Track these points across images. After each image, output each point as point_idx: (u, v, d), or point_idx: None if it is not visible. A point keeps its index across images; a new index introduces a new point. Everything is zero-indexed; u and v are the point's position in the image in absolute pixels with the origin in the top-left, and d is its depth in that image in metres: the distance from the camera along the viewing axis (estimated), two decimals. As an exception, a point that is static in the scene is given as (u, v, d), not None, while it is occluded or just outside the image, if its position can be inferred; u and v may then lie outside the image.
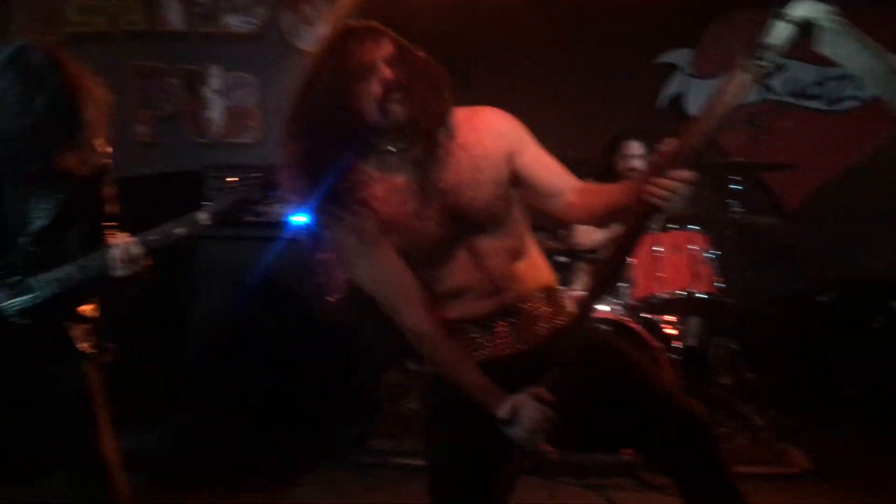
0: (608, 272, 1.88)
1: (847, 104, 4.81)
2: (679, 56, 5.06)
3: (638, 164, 4.14)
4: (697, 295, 3.45)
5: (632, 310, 3.69)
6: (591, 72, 5.14)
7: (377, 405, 4.07)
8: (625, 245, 1.79)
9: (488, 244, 1.86)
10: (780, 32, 1.63)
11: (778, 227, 4.74)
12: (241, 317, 3.83)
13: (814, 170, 4.75)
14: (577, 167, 2.17)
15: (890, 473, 3.47)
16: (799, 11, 1.61)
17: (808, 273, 4.96)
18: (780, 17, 1.62)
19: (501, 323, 1.89)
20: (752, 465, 3.53)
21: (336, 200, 1.78)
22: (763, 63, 1.65)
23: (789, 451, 3.62)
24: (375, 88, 1.74)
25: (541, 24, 5.17)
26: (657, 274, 3.55)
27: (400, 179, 1.82)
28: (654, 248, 3.57)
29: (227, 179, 3.84)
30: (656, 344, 3.61)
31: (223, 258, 3.88)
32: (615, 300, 3.80)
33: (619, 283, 3.81)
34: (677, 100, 5.09)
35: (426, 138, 1.80)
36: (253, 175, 3.51)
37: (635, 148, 4.22)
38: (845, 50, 1.64)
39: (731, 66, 1.66)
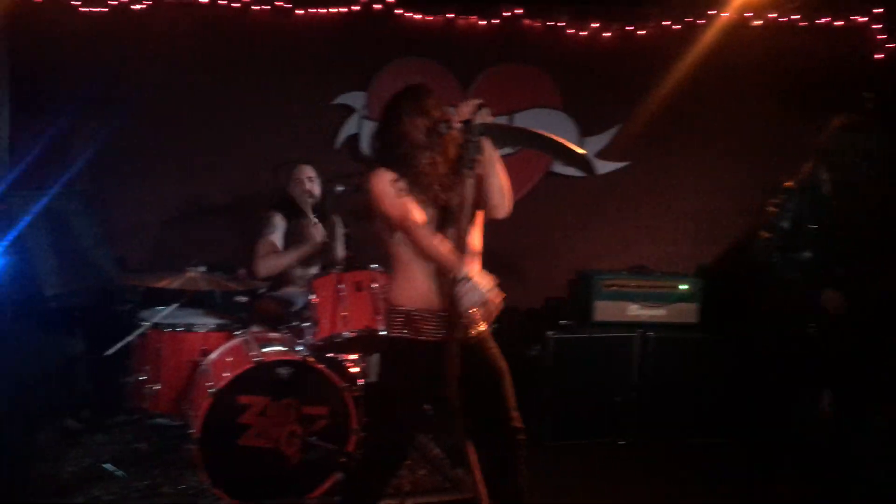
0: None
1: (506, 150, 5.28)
2: (354, 98, 5.21)
3: (310, 186, 4.36)
4: (380, 332, 3.50)
5: (315, 350, 3.66)
6: (273, 111, 5.12)
7: (27, 472, 3.57)
8: None
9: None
10: (475, 148, 2.53)
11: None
12: None
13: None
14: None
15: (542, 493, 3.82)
16: (478, 131, 2.54)
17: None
18: (471, 136, 2.53)
19: (441, 320, 2.69)
20: (431, 495, 3.69)
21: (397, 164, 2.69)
22: (473, 165, 2.53)
23: (465, 477, 3.81)
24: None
25: (220, 57, 5.03)
26: (340, 313, 3.56)
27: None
28: (337, 287, 3.58)
29: None
30: (340, 383, 3.61)
31: None
32: (299, 341, 3.74)
33: (303, 324, 3.76)
34: (352, 139, 5.23)
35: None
36: None
37: (308, 171, 4.41)
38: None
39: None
